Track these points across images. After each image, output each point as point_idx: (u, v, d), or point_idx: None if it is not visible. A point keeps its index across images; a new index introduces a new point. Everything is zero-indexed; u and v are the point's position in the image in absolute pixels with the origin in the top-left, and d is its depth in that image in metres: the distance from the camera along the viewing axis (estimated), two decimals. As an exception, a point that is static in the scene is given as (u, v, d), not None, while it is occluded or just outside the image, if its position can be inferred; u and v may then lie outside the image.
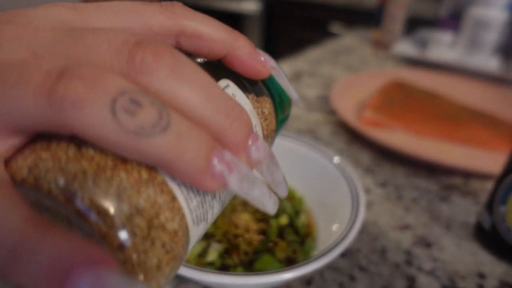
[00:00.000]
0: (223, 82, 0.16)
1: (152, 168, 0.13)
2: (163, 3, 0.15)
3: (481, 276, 0.31)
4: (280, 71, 0.18)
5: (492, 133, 0.52)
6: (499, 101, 0.65)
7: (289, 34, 2.07)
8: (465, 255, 0.33)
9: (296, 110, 0.59)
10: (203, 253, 0.29)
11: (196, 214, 0.14)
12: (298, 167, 0.36)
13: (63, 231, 0.10)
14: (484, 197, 0.41)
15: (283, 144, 0.37)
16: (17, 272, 0.10)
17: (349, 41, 1.07)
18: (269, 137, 0.19)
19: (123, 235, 0.11)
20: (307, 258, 0.29)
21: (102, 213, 0.11)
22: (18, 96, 0.11)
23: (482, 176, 0.45)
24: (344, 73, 0.80)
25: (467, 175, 0.45)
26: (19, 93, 0.11)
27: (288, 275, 0.22)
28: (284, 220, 0.33)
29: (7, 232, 0.10)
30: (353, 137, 0.52)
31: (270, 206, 0.15)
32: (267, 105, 0.18)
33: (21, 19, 0.13)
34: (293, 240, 0.31)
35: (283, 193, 0.17)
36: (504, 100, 0.66)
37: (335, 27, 1.88)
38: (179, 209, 0.13)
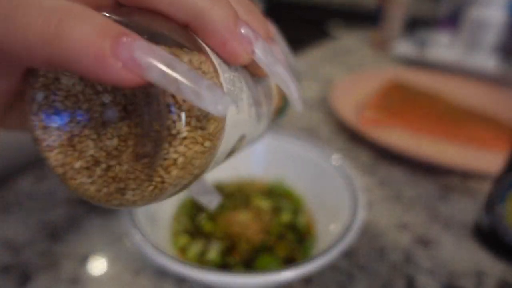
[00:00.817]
0: None
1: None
2: None
3: (480, 275, 0.31)
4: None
5: (490, 133, 0.52)
6: (498, 101, 0.65)
7: (288, 35, 2.07)
8: (463, 254, 0.34)
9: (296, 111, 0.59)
10: (203, 252, 0.29)
11: (229, 87, 0.14)
12: (298, 167, 0.36)
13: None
14: (482, 197, 0.42)
15: (283, 144, 0.37)
16: (68, 37, 0.10)
17: (349, 41, 1.07)
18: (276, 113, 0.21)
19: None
20: (306, 257, 0.29)
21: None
22: None
23: (480, 176, 0.45)
24: (343, 73, 0.80)
25: (466, 174, 0.45)
26: None
27: (289, 274, 0.23)
28: (284, 218, 0.33)
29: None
30: (352, 137, 0.52)
31: (293, 89, 0.15)
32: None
33: None
34: (293, 239, 0.31)
35: (299, 105, 0.16)
36: (503, 100, 0.66)
37: (334, 28, 1.88)
38: (216, 70, 0.14)
